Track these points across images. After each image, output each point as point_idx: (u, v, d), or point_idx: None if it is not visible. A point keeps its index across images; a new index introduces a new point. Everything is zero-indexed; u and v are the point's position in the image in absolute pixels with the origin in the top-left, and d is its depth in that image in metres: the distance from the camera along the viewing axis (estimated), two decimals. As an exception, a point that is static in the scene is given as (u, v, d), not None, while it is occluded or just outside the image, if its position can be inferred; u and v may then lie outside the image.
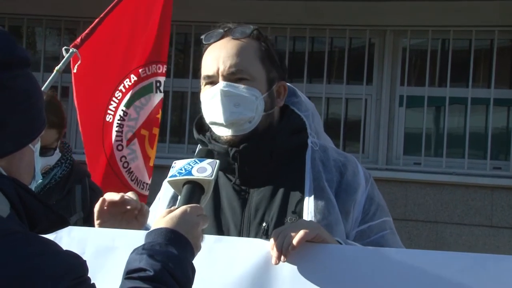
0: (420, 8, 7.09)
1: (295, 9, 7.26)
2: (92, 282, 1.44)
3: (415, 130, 7.45)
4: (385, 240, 2.02)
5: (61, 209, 2.92)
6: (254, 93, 2.00)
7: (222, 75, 2.00)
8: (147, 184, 3.97)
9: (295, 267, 1.77)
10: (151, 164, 3.97)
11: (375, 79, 7.46)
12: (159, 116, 4.01)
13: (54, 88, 6.08)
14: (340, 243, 1.86)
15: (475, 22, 7.05)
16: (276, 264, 1.75)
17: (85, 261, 1.44)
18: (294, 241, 1.72)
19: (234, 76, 2.00)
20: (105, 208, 1.96)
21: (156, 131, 3.98)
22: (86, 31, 4.05)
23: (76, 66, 3.96)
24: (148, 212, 2.01)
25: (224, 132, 2.03)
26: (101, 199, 1.96)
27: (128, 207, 1.94)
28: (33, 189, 1.56)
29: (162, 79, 4.07)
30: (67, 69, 4.07)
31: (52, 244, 1.41)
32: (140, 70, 4.06)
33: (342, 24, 7.29)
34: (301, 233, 1.73)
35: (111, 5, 4.08)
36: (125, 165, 4.00)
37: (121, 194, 1.95)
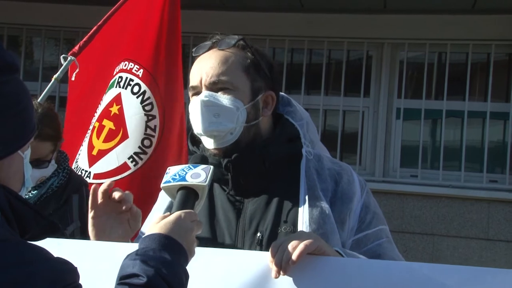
0: (418, 22, 7.12)
1: (294, 21, 7.29)
2: None
3: (412, 142, 7.46)
4: (382, 249, 2.01)
5: (58, 219, 2.90)
6: (235, 104, 2.00)
7: (205, 85, 2.01)
8: (86, 171, 3.92)
9: (295, 281, 1.75)
10: (94, 153, 3.92)
11: (372, 91, 7.48)
12: (112, 109, 3.95)
13: (52, 98, 6.09)
14: (340, 253, 1.84)
15: (472, 35, 7.07)
16: (276, 278, 1.74)
17: (76, 267, 1.43)
18: (294, 256, 1.70)
19: (215, 86, 2.00)
20: (99, 201, 1.94)
21: (107, 123, 3.93)
22: (84, 39, 4.05)
23: (74, 74, 3.97)
24: (139, 215, 2.00)
25: (209, 144, 2.04)
26: (92, 187, 1.95)
27: (116, 197, 1.90)
28: (23, 196, 1.56)
29: (125, 75, 3.98)
30: (65, 79, 4.08)
31: (43, 251, 1.41)
32: (115, 68, 4.05)
33: (340, 37, 7.31)
34: (301, 246, 1.71)
35: (109, 13, 4.09)
36: (77, 156, 3.99)
37: (110, 181, 1.95)
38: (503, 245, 6.86)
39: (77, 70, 3.96)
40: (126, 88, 3.96)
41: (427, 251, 6.99)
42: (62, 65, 3.99)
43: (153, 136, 3.90)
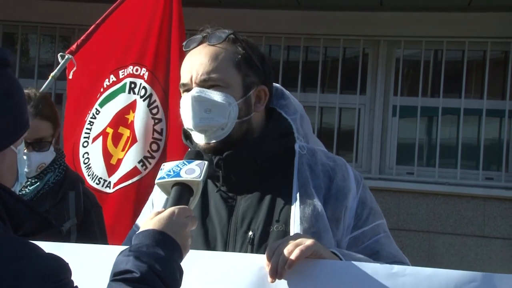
0: (414, 19, 7.13)
1: (290, 18, 7.29)
2: (75, 285, 1.44)
3: (408, 140, 7.47)
4: (379, 245, 1.97)
5: (54, 216, 2.89)
6: (227, 99, 1.96)
7: (195, 83, 1.97)
8: (106, 181, 3.90)
9: (291, 285, 1.73)
10: (113, 162, 3.91)
11: (368, 89, 7.49)
12: (128, 116, 3.93)
13: (48, 95, 6.07)
14: (337, 255, 1.80)
15: (468, 33, 7.09)
16: (272, 282, 1.71)
17: (67, 263, 1.43)
18: (290, 261, 1.68)
19: (206, 83, 1.96)
20: None
21: (124, 130, 3.91)
22: (82, 37, 4.03)
23: (71, 73, 3.95)
24: None
25: (199, 140, 2.00)
26: None
27: None
28: (16, 191, 1.55)
29: (139, 81, 3.97)
30: (61, 76, 4.07)
31: (34, 247, 1.40)
32: (120, 71, 4.01)
33: (336, 34, 7.32)
34: (296, 251, 1.68)
35: (107, 11, 4.07)
36: (86, 161, 3.95)
37: None
38: (499, 242, 6.88)
39: (74, 68, 3.94)
40: (139, 94, 3.95)
41: (423, 248, 7.00)
42: (58, 62, 3.98)
43: (160, 140, 3.88)
